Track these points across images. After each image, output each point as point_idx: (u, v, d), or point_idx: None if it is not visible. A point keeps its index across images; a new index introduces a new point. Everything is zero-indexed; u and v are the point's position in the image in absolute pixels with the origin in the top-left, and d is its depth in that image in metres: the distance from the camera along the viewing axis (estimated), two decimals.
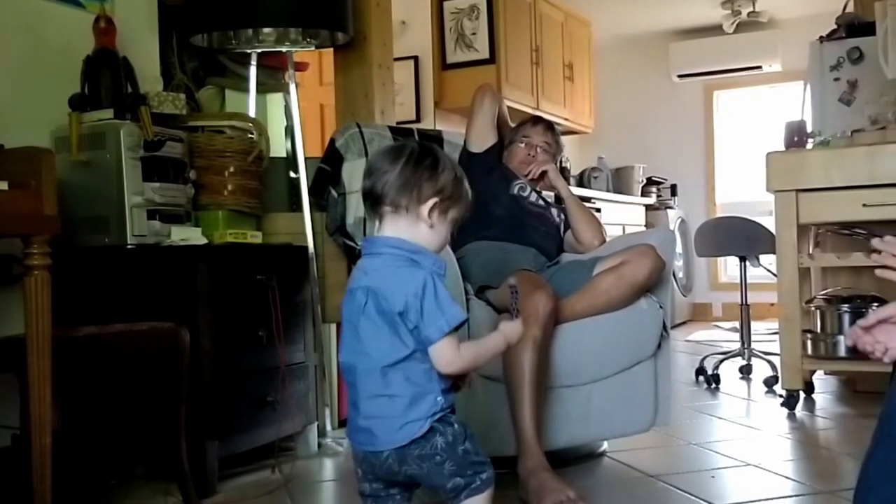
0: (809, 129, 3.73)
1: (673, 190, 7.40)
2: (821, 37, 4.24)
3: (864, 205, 3.21)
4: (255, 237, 2.80)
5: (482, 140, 3.12)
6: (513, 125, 3.25)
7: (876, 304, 3.41)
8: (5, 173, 1.86)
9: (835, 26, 4.24)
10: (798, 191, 3.33)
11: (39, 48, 2.68)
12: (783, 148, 3.56)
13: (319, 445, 2.93)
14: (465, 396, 2.38)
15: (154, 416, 2.35)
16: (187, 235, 2.57)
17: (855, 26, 4.11)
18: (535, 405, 2.29)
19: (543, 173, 3.08)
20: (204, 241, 2.62)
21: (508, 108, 3.41)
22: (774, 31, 7.07)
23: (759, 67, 7.16)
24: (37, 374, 1.86)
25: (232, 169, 2.84)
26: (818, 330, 3.52)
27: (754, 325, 4.43)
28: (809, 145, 3.59)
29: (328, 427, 3.06)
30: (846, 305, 3.46)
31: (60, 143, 2.53)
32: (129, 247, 2.48)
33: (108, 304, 2.49)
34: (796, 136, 3.54)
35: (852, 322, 3.39)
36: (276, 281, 2.60)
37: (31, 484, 1.88)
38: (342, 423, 3.16)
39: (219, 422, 2.45)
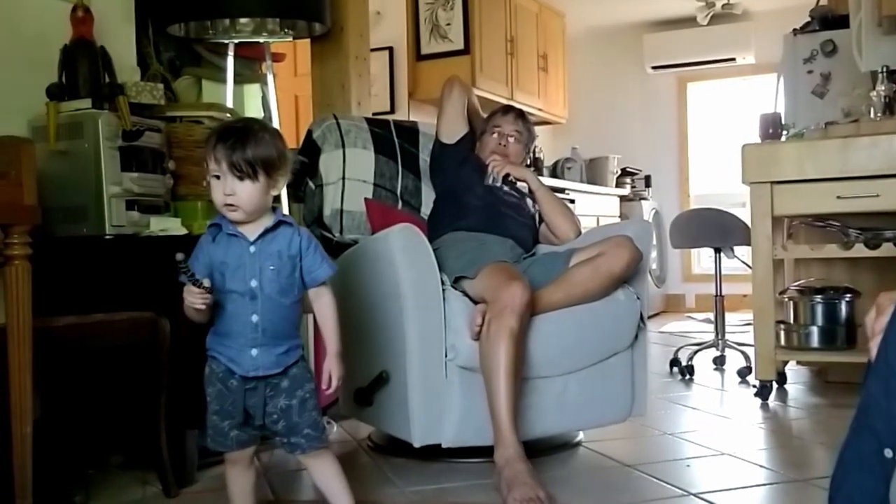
0: (783, 121, 3.78)
1: (647, 181, 7.45)
2: (794, 29, 4.30)
3: (838, 197, 3.26)
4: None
5: (453, 131, 3.12)
6: (485, 115, 3.25)
7: (849, 296, 3.48)
8: None
9: (808, 19, 4.29)
10: (773, 183, 3.37)
11: (16, 37, 2.65)
12: (758, 140, 3.59)
13: None
14: (442, 386, 2.40)
15: (134, 406, 2.35)
16: (166, 226, 2.56)
17: (828, 19, 4.17)
18: (512, 395, 2.30)
19: (507, 175, 3.02)
20: (183, 231, 2.61)
21: (482, 98, 3.43)
22: (748, 24, 7.14)
23: (733, 60, 7.23)
24: (17, 364, 1.86)
25: None
26: (791, 321, 3.57)
27: (728, 317, 4.48)
28: (783, 138, 3.63)
29: None
30: (819, 297, 3.51)
31: (38, 133, 2.51)
32: (107, 237, 2.47)
33: (88, 294, 2.48)
34: (771, 129, 3.58)
35: (825, 313, 3.46)
36: None
37: (12, 473, 1.87)
38: (322, 412, 3.16)
39: (198, 411, 2.43)
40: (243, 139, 1.73)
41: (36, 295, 1.90)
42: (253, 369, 1.77)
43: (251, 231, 1.78)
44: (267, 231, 1.78)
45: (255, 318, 1.77)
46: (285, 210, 3.10)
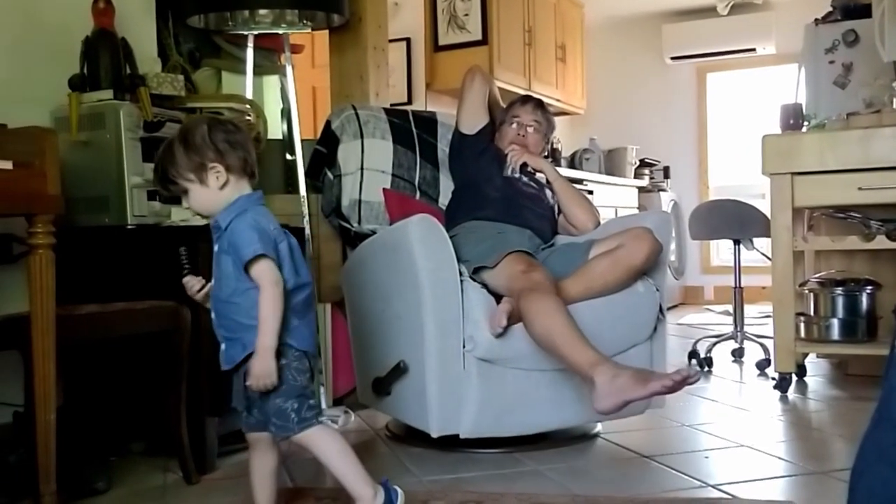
0: (804, 111, 3.75)
1: (666, 172, 7.41)
2: (816, 19, 4.26)
3: (860, 188, 3.23)
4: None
5: (473, 122, 3.12)
6: (504, 106, 3.25)
7: (870, 288, 3.45)
8: (8, 153, 1.86)
9: (830, 8, 4.26)
10: (793, 174, 3.35)
11: (39, 29, 2.68)
12: (778, 131, 3.57)
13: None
14: (460, 376, 2.41)
15: (155, 394, 2.37)
16: (187, 216, 2.58)
17: (850, 8, 4.14)
18: (579, 330, 2.26)
19: (524, 165, 3.04)
20: (203, 221, 2.61)
21: (500, 89, 3.41)
22: (768, 13, 7.08)
23: (753, 50, 7.17)
24: (41, 351, 1.88)
25: None
26: (811, 313, 3.55)
27: (746, 309, 4.46)
28: (804, 129, 3.60)
29: (323, 404, 3.08)
30: (839, 288, 3.49)
31: (60, 124, 2.53)
32: (129, 227, 2.49)
33: (110, 283, 2.50)
34: (792, 119, 3.56)
35: (845, 305, 3.44)
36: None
37: (36, 459, 1.89)
38: (337, 401, 3.19)
39: (218, 399, 2.46)
40: (163, 164, 1.81)
41: (59, 284, 1.92)
42: (225, 363, 1.83)
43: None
44: (216, 228, 1.84)
45: (213, 314, 1.85)
46: (303, 200, 3.11)
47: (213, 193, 1.81)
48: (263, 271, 1.75)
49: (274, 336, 1.74)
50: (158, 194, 2.54)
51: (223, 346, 1.83)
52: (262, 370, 1.74)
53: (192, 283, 1.88)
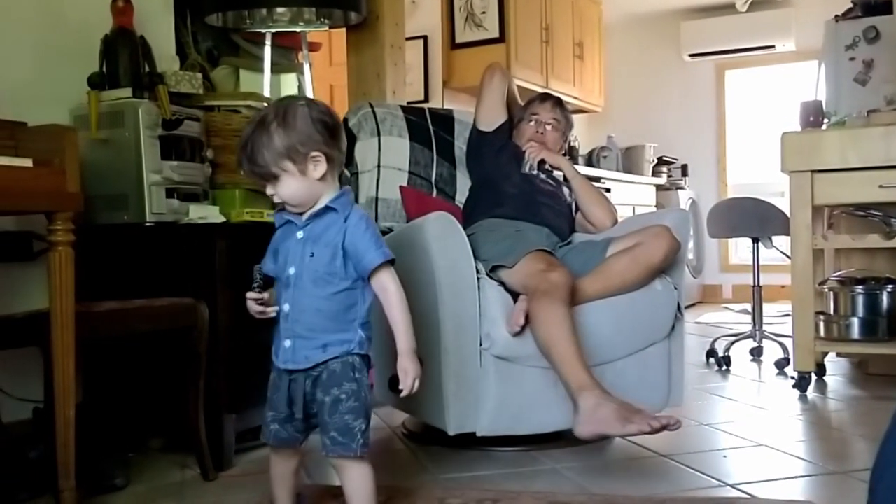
0: (824, 109, 3.72)
1: (684, 170, 7.38)
2: (836, 16, 4.23)
3: (880, 186, 3.20)
4: (271, 216, 2.80)
5: (492, 119, 3.12)
6: (522, 103, 3.24)
7: (890, 286, 3.42)
8: (29, 150, 1.88)
9: (850, 5, 4.22)
10: (813, 171, 3.32)
11: (58, 28, 2.70)
12: (798, 128, 3.54)
13: None
14: (477, 374, 2.41)
15: (173, 391, 2.39)
16: (205, 213, 2.59)
17: (871, 5, 4.10)
18: (578, 346, 2.28)
19: (542, 162, 3.03)
20: (222, 219, 2.63)
21: (518, 87, 3.41)
22: (788, 10, 7.03)
23: (773, 47, 7.13)
24: (60, 348, 1.89)
25: None
26: (831, 312, 3.52)
27: (765, 307, 4.43)
28: (824, 126, 3.58)
29: None
30: (860, 287, 3.46)
31: (79, 122, 2.55)
32: (148, 224, 2.50)
33: (128, 280, 2.52)
34: (812, 116, 3.53)
35: (866, 304, 3.42)
36: None
37: (55, 455, 1.91)
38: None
39: (236, 396, 2.48)
40: (254, 144, 1.66)
41: (79, 281, 1.93)
42: (283, 362, 1.72)
43: (303, 217, 1.73)
44: (314, 216, 1.71)
45: (286, 307, 1.71)
46: None
47: (309, 183, 1.68)
48: (392, 275, 1.70)
49: (412, 338, 1.69)
50: (176, 192, 2.56)
51: (289, 343, 1.70)
52: (417, 370, 1.69)
53: (255, 301, 1.74)
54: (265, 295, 1.74)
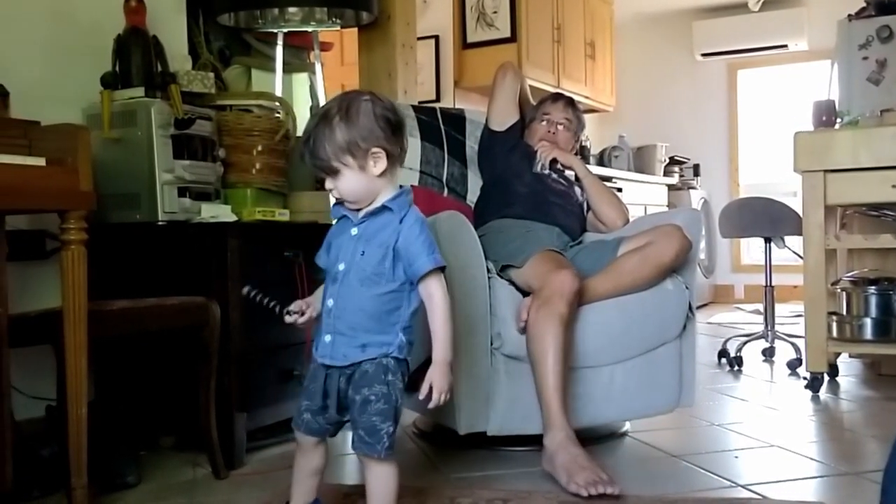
0: (837, 108, 3.70)
1: (696, 170, 7.36)
2: (849, 15, 4.20)
3: (894, 186, 3.18)
4: (282, 215, 2.82)
5: (504, 118, 3.12)
6: (534, 103, 3.24)
7: None
8: (42, 150, 1.88)
9: (864, 4, 4.20)
10: (826, 171, 3.31)
11: (71, 27, 2.71)
12: (810, 128, 3.53)
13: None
14: (487, 374, 2.41)
15: (184, 389, 2.39)
16: (217, 212, 2.60)
17: (885, 4, 4.07)
18: (561, 380, 2.29)
19: (554, 160, 3.03)
20: (233, 218, 2.64)
21: (529, 86, 3.41)
22: (801, 9, 7.00)
23: (785, 46, 7.10)
24: (73, 346, 1.89)
25: (260, 147, 2.86)
26: (844, 312, 3.51)
27: (777, 308, 4.41)
28: (837, 126, 3.56)
29: None
30: (873, 287, 3.44)
31: (92, 121, 2.56)
32: (160, 223, 2.51)
33: (141, 279, 2.53)
34: (825, 116, 3.51)
35: (879, 304, 3.40)
36: (302, 257, 2.62)
37: (67, 453, 1.91)
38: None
39: (247, 395, 2.49)
40: (317, 138, 1.65)
41: (91, 279, 1.94)
42: (321, 356, 1.70)
43: (360, 213, 1.71)
44: (369, 214, 1.70)
45: (330, 302, 1.69)
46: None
47: (368, 180, 1.66)
48: (441, 282, 1.68)
49: (450, 350, 1.67)
50: (188, 191, 2.57)
51: (329, 339, 1.68)
52: (447, 384, 1.67)
53: (295, 316, 1.76)
54: (303, 310, 1.75)
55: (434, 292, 1.67)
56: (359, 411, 1.66)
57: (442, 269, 1.69)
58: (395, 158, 1.70)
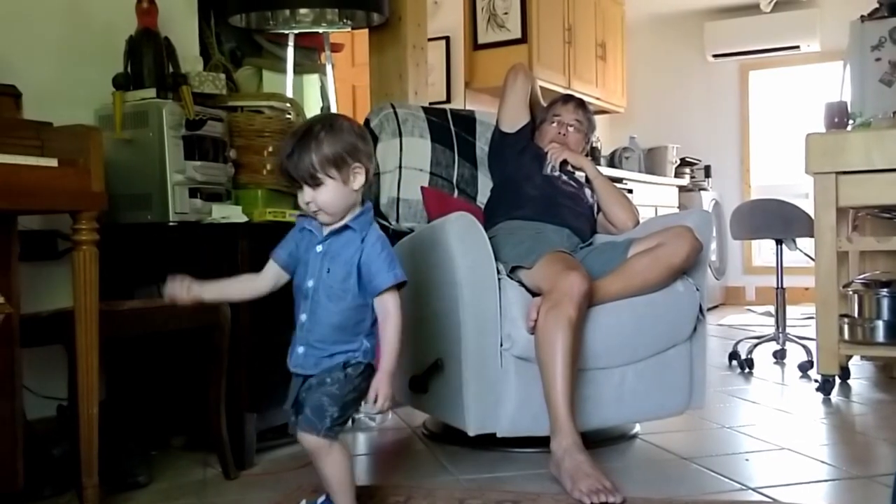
0: (849, 110, 3.68)
1: (707, 171, 7.34)
2: (862, 16, 4.18)
3: None
4: (293, 216, 2.82)
5: (514, 120, 3.12)
6: (545, 104, 3.24)
7: None
8: (54, 150, 1.90)
9: (876, 5, 4.17)
10: (838, 173, 3.29)
11: (83, 28, 2.72)
12: (822, 129, 3.51)
13: (353, 420, 2.97)
14: (497, 375, 2.41)
15: (195, 389, 2.40)
16: (228, 213, 2.60)
17: None
18: (569, 384, 2.29)
19: (564, 162, 3.03)
20: (244, 219, 2.64)
21: (540, 88, 3.41)
22: (813, 10, 6.97)
23: (797, 47, 7.07)
24: (84, 346, 1.91)
25: (271, 149, 2.85)
26: (855, 314, 3.49)
27: (789, 310, 4.39)
28: (849, 127, 3.54)
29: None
30: (885, 290, 3.42)
31: (104, 122, 2.57)
32: (171, 224, 2.52)
33: (152, 279, 2.53)
34: (837, 118, 3.50)
35: (891, 306, 3.38)
36: None
37: (78, 453, 1.92)
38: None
39: (257, 395, 2.49)
40: (303, 146, 1.70)
41: (103, 280, 1.95)
42: (294, 366, 1.79)
43: (325, 230, 1.77)
44: (333, 233, 1.76)
45: (303, 317, 1.78)
46: None
47: (347, 192, 1.73)
48: (396, 299, 1.74)
49: (395, 362, 1.73)
50: (200, 192, 2.58)
51: (302, 350, 1.77)
52: (389, 393, 1.72)
53: (175, 291, 1.86)
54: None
55: (389, 308, 1.73)
56: (311, 392, 1.74)
57: (401, 286, 1.75)
58: (369, 176, 1.77)
